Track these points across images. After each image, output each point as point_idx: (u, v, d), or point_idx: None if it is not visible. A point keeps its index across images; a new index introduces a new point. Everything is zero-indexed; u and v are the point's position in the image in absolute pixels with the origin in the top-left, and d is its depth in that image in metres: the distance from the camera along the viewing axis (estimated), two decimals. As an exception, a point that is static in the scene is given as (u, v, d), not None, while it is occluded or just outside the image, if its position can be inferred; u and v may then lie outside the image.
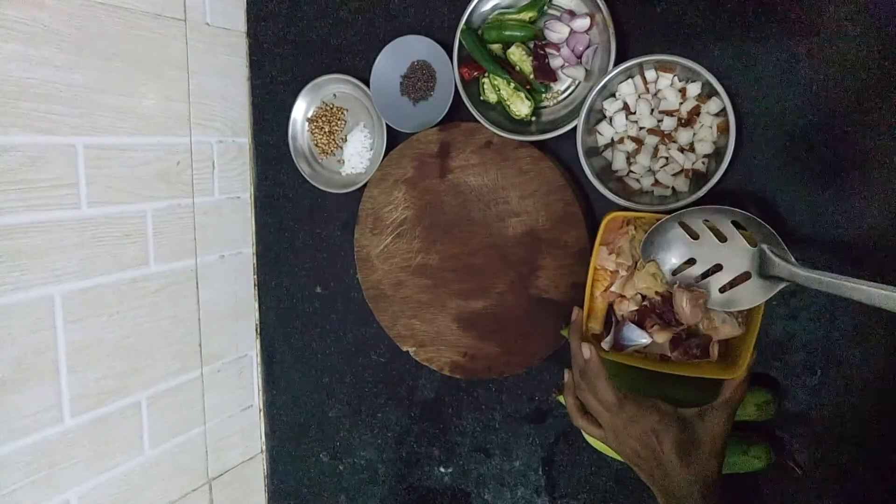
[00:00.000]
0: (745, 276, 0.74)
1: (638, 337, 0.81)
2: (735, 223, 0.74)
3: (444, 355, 1.02)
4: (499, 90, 0.93)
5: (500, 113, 0.95)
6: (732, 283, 0.75)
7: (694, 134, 0.83)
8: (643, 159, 0.85)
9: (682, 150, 0.84)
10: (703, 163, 0.83)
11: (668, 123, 0.83)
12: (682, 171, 0.84)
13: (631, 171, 0.87)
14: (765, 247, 0.72)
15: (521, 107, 0.93)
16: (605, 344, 0.81)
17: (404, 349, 1.04)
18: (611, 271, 0.82)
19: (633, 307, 0.81)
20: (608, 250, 0.81)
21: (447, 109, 0.96)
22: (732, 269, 0.74)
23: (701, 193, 0.81)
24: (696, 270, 0.77)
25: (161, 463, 1.04)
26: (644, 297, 0.82)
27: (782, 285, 0.71)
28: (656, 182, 0.85)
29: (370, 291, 1.06)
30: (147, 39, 0.99)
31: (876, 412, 0.83)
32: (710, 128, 0.82)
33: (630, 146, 0.86)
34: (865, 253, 0.79)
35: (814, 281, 0.66)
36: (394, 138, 1.02)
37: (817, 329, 0.84)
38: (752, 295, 0.73)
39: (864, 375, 0.82)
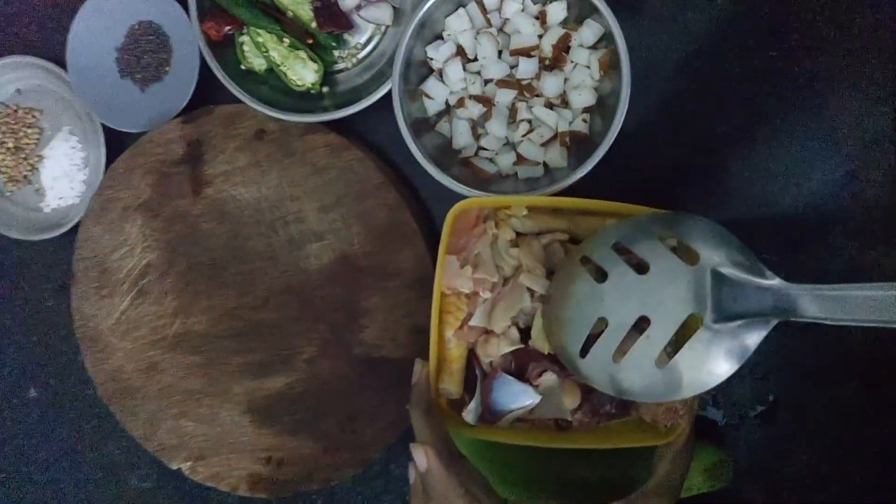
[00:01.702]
0: (691, 327, 0.42)
1: (518, 396, 0.52)
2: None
3: (236, 467, 0.66)
4: (267, 51, 0.61)
5: (273, 86, 0.63)
6: (677, 346, 0.42)
7: (566, 80, 0.56)
8: (496, 127, 0.56)
9: (550, 105, 0.56)
10: (585, 121, 0.56)
11: (527, 68, 0.55)
12: (555, 136, 0.56)
13: (481, 148, 0.58)
14: (718, 264, 0.41)
15: (303, 73, 0.61)
16: (469, 415, 0.51)
17: (174, 466, 0.67)
18: (466, 295, 0.51)
19: (508, 347, 0.51)
20: (459, 261, 0.51)
21: (192, 90, 0.63)
22: (667, 319, 0.42)
23: (588, 167, 0.53)
24: (611, 341, 0.43)
25: None
26: (523, 329, 0.52)
27: (765, 328, 0.40)
28: (520, 159, 0.57)
29: (108, 385, 0.68)
30: None
31: (849, 450, 0.59)
32: (587, 67, 0.55)
33: (475, 109, 0.57)
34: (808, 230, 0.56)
35: (834, 305, 0.37)
36: (119, 144, 0.66)
37: (767, 343, 0.59)
38: (711, 360, 0.41)
39: (830, 401, 0.58)
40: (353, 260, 0.61)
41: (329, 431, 0.64)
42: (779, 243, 0.57)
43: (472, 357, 0.53)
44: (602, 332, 0.44)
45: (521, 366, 0.51)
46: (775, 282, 0.40)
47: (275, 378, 0.64)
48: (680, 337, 0.42)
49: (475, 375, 0.52)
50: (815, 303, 0.38)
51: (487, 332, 0.51)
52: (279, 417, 0.65)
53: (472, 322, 0.51)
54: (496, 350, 0.51)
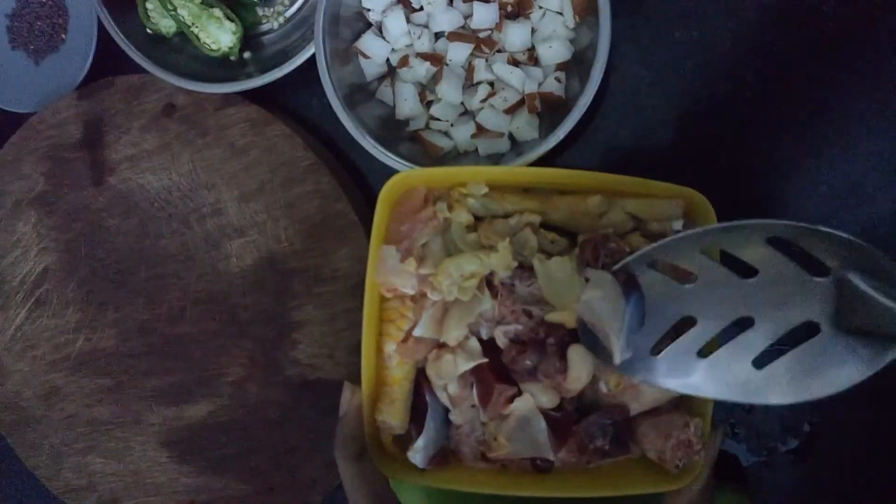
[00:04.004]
0: (803, 333, 0.34)
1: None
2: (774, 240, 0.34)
3: (154, 512, 0.55)
4: (174, 10, 0.50)
5: (191, 55, 0.52)
6: (780, 348, 0.34)
7: (533, 30, 0.44)
8: (449, 91, 0.45)
9: (515, 62, 0.45)
10: (559, 80, 0.44)
11: (484, 16, 0.44)
12: (522, 101, 0.45)
13: (433, 119, 0.47)
14: (850, 275, 0.32)
15: (218, 35, 0.50)
16: (417, 455, 0.39)
17: (83, 512, 0.57)
18: (411, 297, 0.40)
19: (466, 364, 0.39)
20: (401, 253, 0.39)
21: (90, 60, 0.52)
22: (774, 322, 0.35)
23: (561, 133, 0.42)
24: (701, 335, 0.36)
25: None
26: (485, 340, 0.40)
27: None
28: (480, 130, 0.45)
29: (4, 415, 0.57)
30: None
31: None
32: (558, 14, 0.44)
33: (422, 70, 0.46)
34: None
35: None
36: (8, 128, 0.56)
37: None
38: (832, 368, 0.33)
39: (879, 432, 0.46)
40: (281, 261, 0.50)
41: (261, 469, 0.53)
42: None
43: (420, 379, 0.41)
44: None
45: (484, 389, 0.40)
46: None
47: (195, 405, 0.53)
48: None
49: (425, 403, 0.41)
50: None
51: (440, 346, 0.40)
52: (202, 452, 0.54)
53: (418, 332, 0.39)
54: (452, 369, 0.39)
